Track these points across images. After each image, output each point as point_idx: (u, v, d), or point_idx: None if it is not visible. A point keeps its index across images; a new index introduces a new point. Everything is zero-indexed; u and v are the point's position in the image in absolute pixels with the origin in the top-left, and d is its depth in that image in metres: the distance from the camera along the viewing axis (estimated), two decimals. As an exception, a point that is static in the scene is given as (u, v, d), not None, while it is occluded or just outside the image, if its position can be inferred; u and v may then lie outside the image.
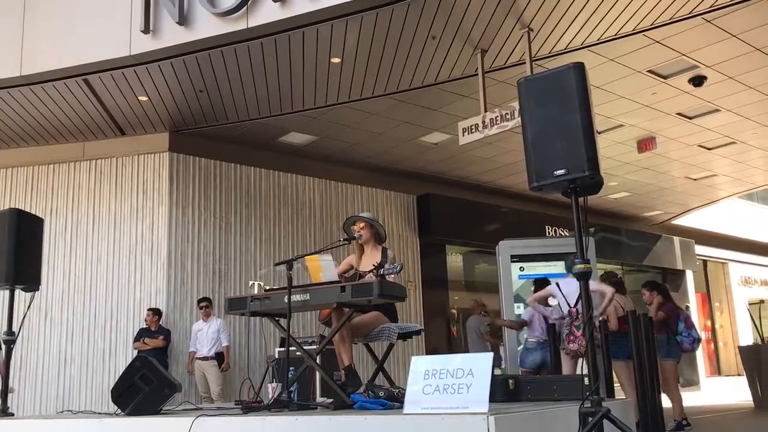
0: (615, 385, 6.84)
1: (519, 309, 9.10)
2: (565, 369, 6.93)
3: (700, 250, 18.22)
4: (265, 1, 7.00)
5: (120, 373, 4.68)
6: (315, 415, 3.86)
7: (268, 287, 5.10)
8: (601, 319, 6.29)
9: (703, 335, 17.91)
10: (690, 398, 14.89)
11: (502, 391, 4.29)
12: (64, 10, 7.99)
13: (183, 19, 7.31)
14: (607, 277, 7.34)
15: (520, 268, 9.51)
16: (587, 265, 3.68)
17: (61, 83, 8.17)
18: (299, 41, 7.44)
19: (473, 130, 8.22)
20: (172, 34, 7.42)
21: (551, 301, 7.07)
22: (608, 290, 6.77)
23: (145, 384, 4.49)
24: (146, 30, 7.44)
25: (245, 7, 7.07)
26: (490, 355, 3.38)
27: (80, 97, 8.55)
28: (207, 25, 7.28)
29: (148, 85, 8.32)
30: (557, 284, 6.98)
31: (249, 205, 10.48)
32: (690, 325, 7.77)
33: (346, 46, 7.60)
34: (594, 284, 6.84)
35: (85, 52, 7.77)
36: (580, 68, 3.78)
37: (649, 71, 8.94)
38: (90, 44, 7.75)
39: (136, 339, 8.92)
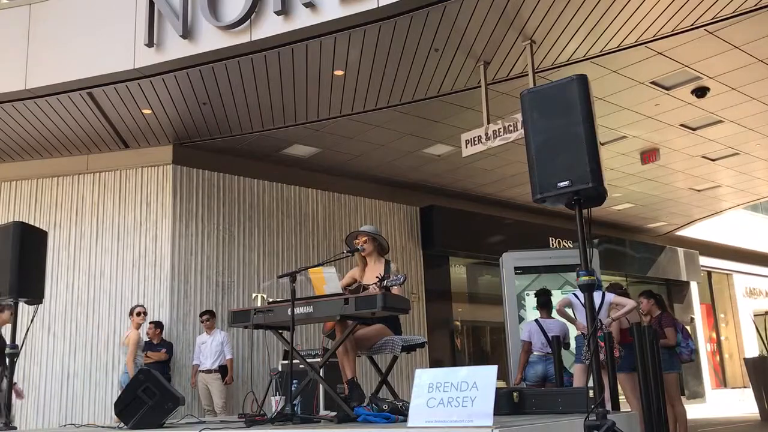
0: (620, 397, 6.79)
1: (528, 314, 9.07)
2: (577, 381, 6.90)
3: (705, 261, 18.16)
4: (269, 14, 7.03)
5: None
6: (318, 428, 3.84)
7: (271, 300, 5.10)
8: (606, 330, 6.26)
9: (708, 347, 17.84)
10: (696, 411, 14.80)
11: (507, 403, 4.28)
12: (68, 24, 8.04)
13: (186, 33, 7.35)
14: (612, 289, 7.32)
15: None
16: (592, 277, 3.68)
17: (65, 97, 8.20)
18: (302, 54, 7.47)
19: (476, 142, 8.23)
20: (176, 48, 7.46)
21: (567, 311, 7.08)
22: (629, 303, 6.80)
23: (148, 397, 4.48)
24: (150, 43, 7.48)
25: (249, 21, 7.11)
26: (494, 367, 3.36)
27: (84, 110, 8.59)
28: (210, 39, 7.32)
29: (152, 98, 8.35)
30: (575, 295, 6.97)
31: (252, 218, 10.48)
32: (687, 336, 7.74)
33: (349, 58, 7.63)
34: (614, 297, 6.86)
35: (89, 66, 7.81)
36: (583, 80, 3.80)
37: (651, 83, 8.95)
38: (94, 58, 7.80)
39: (139, 352, 8.89)
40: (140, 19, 7.59)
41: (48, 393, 9.40)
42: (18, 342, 5.52)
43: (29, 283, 5.51)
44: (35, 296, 5.65)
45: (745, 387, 15.78)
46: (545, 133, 3.82)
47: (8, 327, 5.73)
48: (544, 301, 7.74)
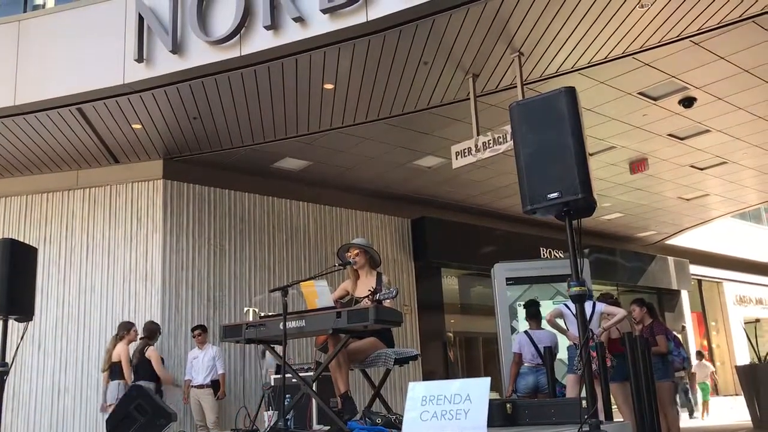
0: (613, 407, 6.80)
1: (520, 325, 9.07)
2: (570, 392, 6.90)
3: (695, 269, 18.24)
4: (258, 29, 7.07)
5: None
6: (312, 443, 3.83)
7: (263, 314, 5.09)
8: (597, 340, 6.28)
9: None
10: (687, 419, 14.82)
11: (500, 415, 4.27)
12: (57, 40, 8.03)
13: (176, 48, 7.36)
14: (603, 299, 7.35)
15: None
16: (583, 288, 3.69)
17: (55, 112, 8.19)
18: (292, 68, 7.49)
19: (466, 154, 8.27)
20: (166, 63, 7.47)
21: (558, 321, 7.10)
22: (619, 312, 6.82)
23: (140, 414, 4.46)
24: (140, 59, 7.49)
25: (238, 35, 7.14)
26: (487, 379, 3.37)
27: (74, 126, 8.57)
28: (200, 54, 7.34)
29: (142, 113, 8.35)
30: (566, 305, 6.99)
31: (243, 231, 10.46)
32: (678, 344, 7.77)
33: (338, 72, 7.66)
34: (604, 306, 6.88)
35: (79, 82, 7.81)
36: (571, 92, 3.83)
37: (639, 93, 9.02)
38: (84, 73, 7.80)
39: (130, 368, 8.84)
40: (130, 35, 7.60)
41: (38, 409, 9.32)
42: (8, 359, 5.48)
43: (19, 300, 5.48)
44: (25, 313, 5.61)
45: (736, 395, 15.82)
46: (534, 145, 3.85)
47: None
48: (533, 312, 7.75)
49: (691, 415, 15.73)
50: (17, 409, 9.30)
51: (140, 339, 8.51)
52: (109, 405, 8.13)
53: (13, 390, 9.21)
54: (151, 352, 8.28)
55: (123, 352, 8.22)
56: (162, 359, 8.45)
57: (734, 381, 16.30)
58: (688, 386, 15.54)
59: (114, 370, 8.25)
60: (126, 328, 8.44)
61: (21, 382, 9.37)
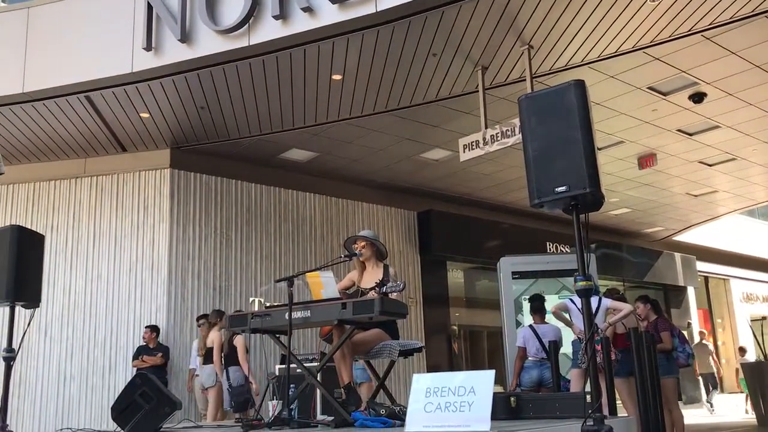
0: (617, 402, 6.79)
1: (525, 319, 9.06)
2: (575, 386, 6.90)
3: (702, 266, 18.17)
4: (267, 18, 7.05)
5: (120, 391, 4.65)
6: (316, 433, 3.83)
7: (268, 304, 5.09)
8: (602, 335, 6.27)
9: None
10: (692, 416, 14.79)
11: (504, 409, 4.27)
12: (66, 28, 8.04)
13: (185, 37, 7.36)
14: (609, 294, 7.32)
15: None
16: (589, 282, 3.67)
17: (63, 100, 8.20)
18: (300, 58, 7.48)
19: (474, 147, 8.24)
20: (174, 52, 7.47)
21: (564, 315, 7.09)
22: (625, 307, 6.81)
23: (145, 401, 4.46)
24: (148, 47, 7.49)
25: (247, 25, 7.12)
26: (492, 372, 3.36)
27: (82, 113, 8.59)
28: (209, 43, 7.33)
29: (150, 101, 8.35)
30: (571, 300, 6.99)
31: (250, 222, 10.47)
32: (684, 341, 7.74)
33: (347, 63, 7.64)
34: (610, 301, 6.87)
35: (87, 69, 7.82)
36: (580, 86, 3.80)
37: (649, 88, 8.97)
38: (92, 61, 7.80)
39: (135, 357, 8.87)
40: (138, 23, 7.60)
41: (44, 397, 9.38)
42: (15, 346, 5.50)
43: (26, 287, 5.49)
44: (32, 300, 5.62)
45: (742, 392, 15.78)
46: (543, 138, 3.82)
47: (5, 330, 5.71)
48: (537, 306, 7.74)
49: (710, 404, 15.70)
50: (24, 395, 9.36)
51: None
52: (206, 388, 8.45)
53: (20, 377, 9.26)
54: (238, 339, 8.27)
55: (216, 338, 8.39)
56: (247, 349, 8.40)
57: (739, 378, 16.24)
58: (716, 381, 15.48)
59: (208, 356, 8.43)
60: (218, 315, 8.59)
61: (27, 369, 9.43)
